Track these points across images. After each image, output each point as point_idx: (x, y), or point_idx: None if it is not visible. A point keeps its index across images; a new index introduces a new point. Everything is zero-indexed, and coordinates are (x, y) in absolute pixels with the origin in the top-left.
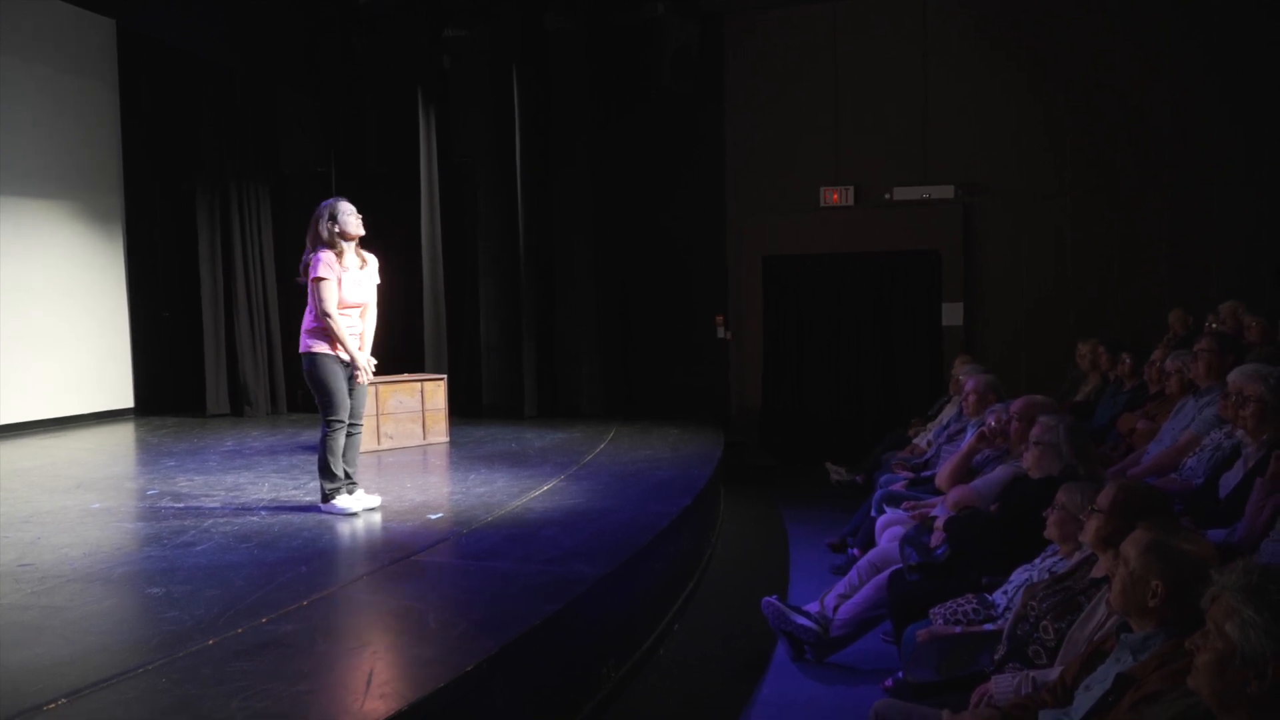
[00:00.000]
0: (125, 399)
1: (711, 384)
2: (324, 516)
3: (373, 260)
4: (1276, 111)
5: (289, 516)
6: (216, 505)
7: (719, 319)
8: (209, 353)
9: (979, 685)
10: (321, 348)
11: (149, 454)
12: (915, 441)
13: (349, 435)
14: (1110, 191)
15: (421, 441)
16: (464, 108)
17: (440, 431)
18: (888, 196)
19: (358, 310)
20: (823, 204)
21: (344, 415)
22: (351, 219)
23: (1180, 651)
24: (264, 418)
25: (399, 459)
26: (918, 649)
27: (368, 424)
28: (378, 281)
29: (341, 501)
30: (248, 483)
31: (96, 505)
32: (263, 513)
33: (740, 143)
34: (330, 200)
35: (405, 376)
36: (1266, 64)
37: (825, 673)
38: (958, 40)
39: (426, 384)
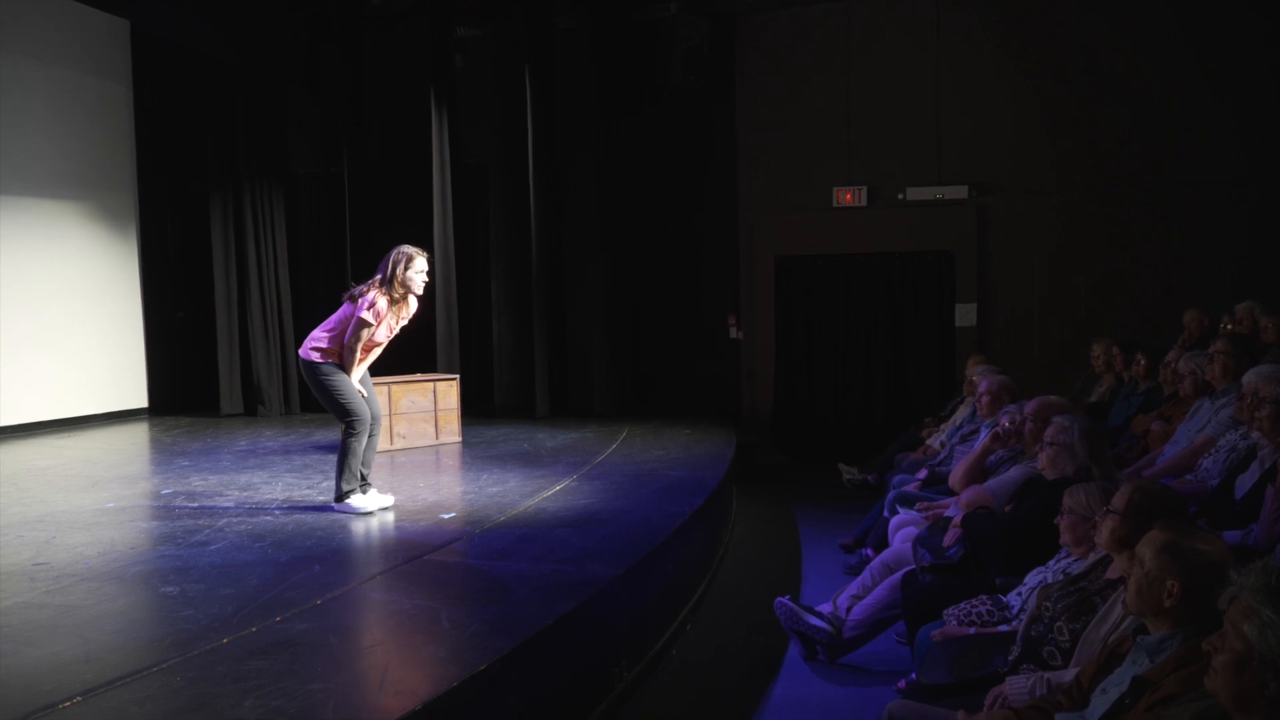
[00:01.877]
0: (139, 399)
1: (723, 383)
2: (337, 516)
3: (414, 305)
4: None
5: (302, 516)
6: (230, 505)
7: (731, 319)
8: (222, 352)
9: (993, 687)
10: (329, 359)
11: (163, 453)
12: (928, 442)
13: (370, 435)
14: (1123, 191)
15: (434, 441)
16: (475, 107)
17: (453, 431)
18: (901, 197)
19: (378, 349)
20: (835, 204)
21: (365, 415)
22: (419, 278)
23: (1197, 654)
24: (277, 417)
25: (412, 459)
26: (931, 650)
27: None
28: (406, 322)
29: (356, 501)
30: (261, 482)
31: (111, 504)
32: (276, 512)
33: (752, 142)
34: (412, 249)
35: (418, 376)
36: (1265, 60)
37: (838, 674)
38: (970, 41)
39: (439, 384)
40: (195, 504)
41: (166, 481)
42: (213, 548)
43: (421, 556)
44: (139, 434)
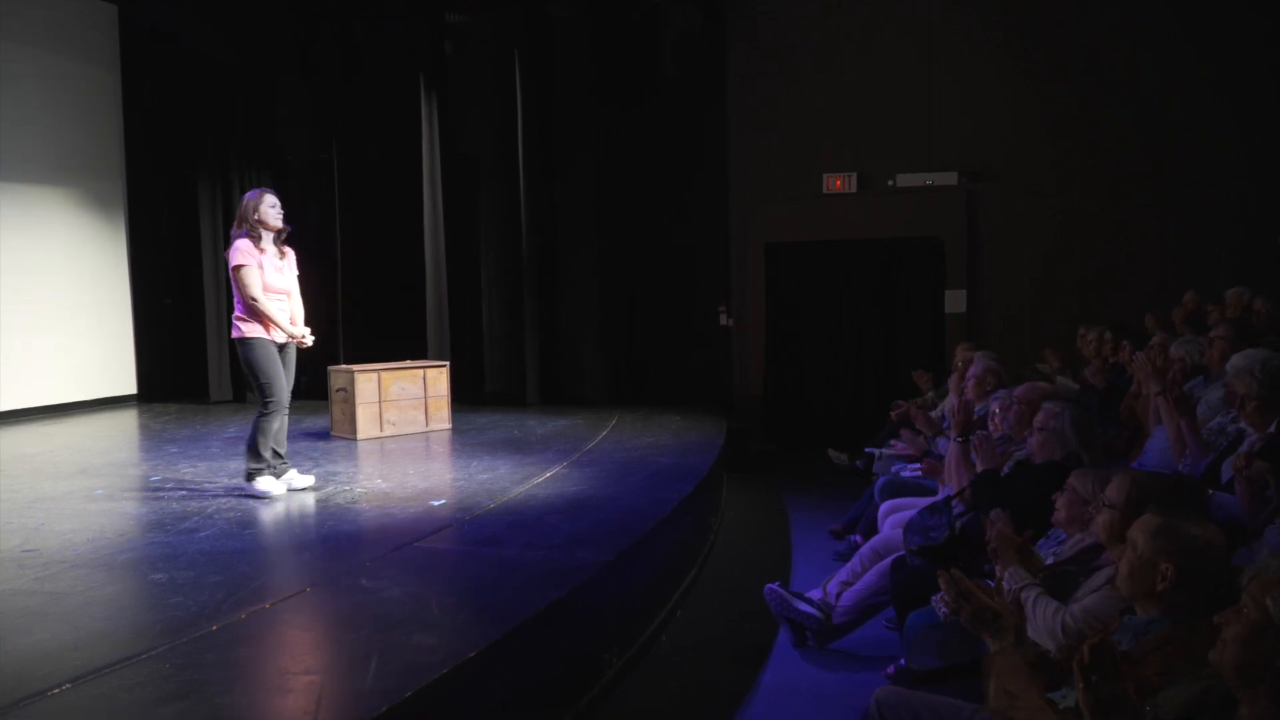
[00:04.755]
0: (128, 385)
1: (714, 371)
2: (327, 502)
3: (291, 253)
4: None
5: (292, 503)
6: (219, 491)
7: (721, 306)
8: (211, 339)
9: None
10: (255, 331)
11: (152, 440)
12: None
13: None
14: (1113, 179)
15: (424, 428)
16: (466, 94)
17: (443, 418)
18: (891, 183)
19: (282, 296)
20: (826, 191)
21: (284, 397)
22: (272, 211)
23: (1181, 636)
24: None
25: (402, 445)
26: (919, 635)
27: (370, 410)
28: (296, 273)
29: (263, 484)
30: None
31: (100, 491)
32: (266, 499)
33: (744, 129)
34: (256, 191)
35: (408, 363)
36: (1265, 60)
37: (827, 659)
38: (961, 27)
39: (429, 370)
40: (184, 491)
41: (155, 468)
42: (202, 535)
43: (411, 543)
44: (128, 421)
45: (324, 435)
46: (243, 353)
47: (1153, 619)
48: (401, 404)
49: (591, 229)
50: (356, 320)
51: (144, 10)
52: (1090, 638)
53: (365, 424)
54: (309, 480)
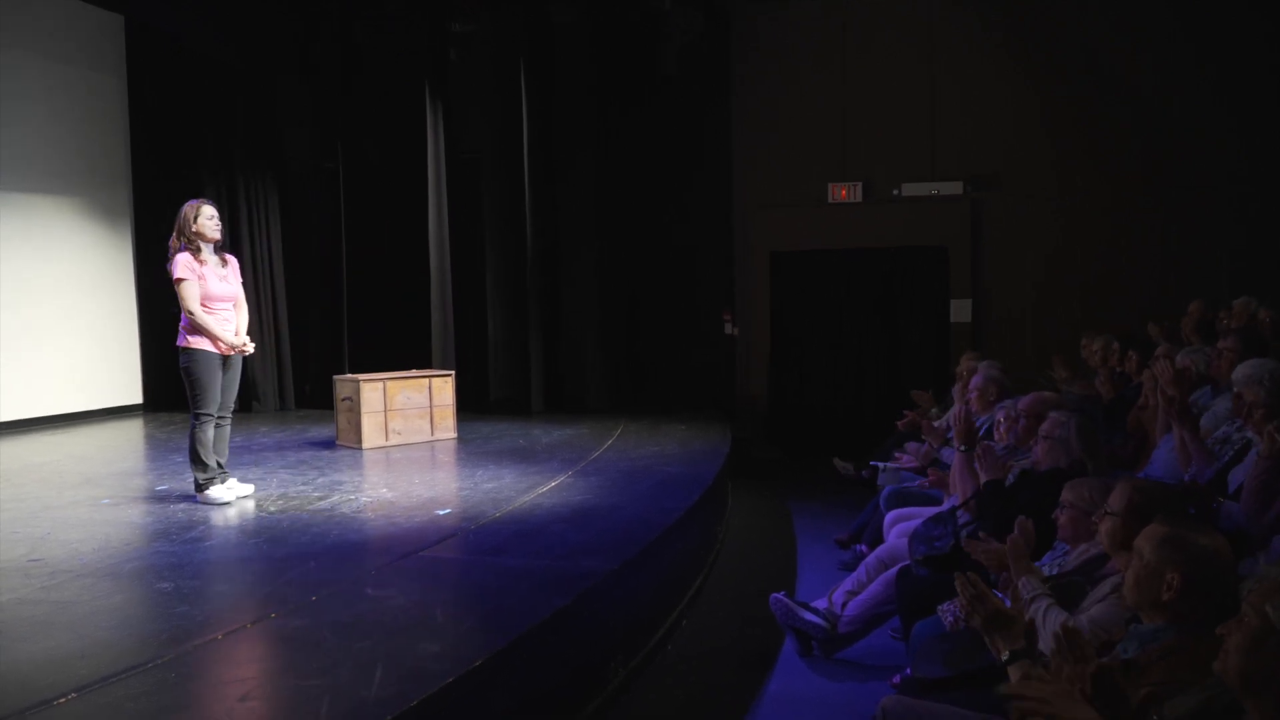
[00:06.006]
0: (134, 395)
1: (718, 377)
2: (332, 512)
3: (233, 261)
4: (1277, 108)
5: (297, 512)
6: (225, 501)
7: (726, 314)
8: None
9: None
10: (201, 344)
11: (158, 450)
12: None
13: (217, 427)
14: (1114, 181)
15: (429, 437)
16: (470, 101)
17: (448, 427)
18: (896, 192)
19: (227, 304)
20: (830, 199)
21: (213, 409)
22: (210, 223)
23: (1186, 645)
24: (272, 414)
25: (407, 454)
26: (925, 644)
27: (376, 419)
28: (240, 279)
29: (215, 492)
30: (256, 478)
31: (106, 501)
32: (271, 508)
33: (748, 137)
34: (194, 202)
35: (413, 372)
36: (1265, 61)
37: (833, 669)
38: (966, 36)
39: (434, 379)
40: (190, 500)
41: (161, 478)
42: (207, 544)
43: (417, 552)
44: (134, 430)
45: (329, 444)
46: (182, 360)
47: (1159, 628)
48: (407, 413)
49: (595, 236)
50: (362, 328)
51: (144, 10)
52: (1090, 665)
53: (371, 433)
54: (249, 489)
